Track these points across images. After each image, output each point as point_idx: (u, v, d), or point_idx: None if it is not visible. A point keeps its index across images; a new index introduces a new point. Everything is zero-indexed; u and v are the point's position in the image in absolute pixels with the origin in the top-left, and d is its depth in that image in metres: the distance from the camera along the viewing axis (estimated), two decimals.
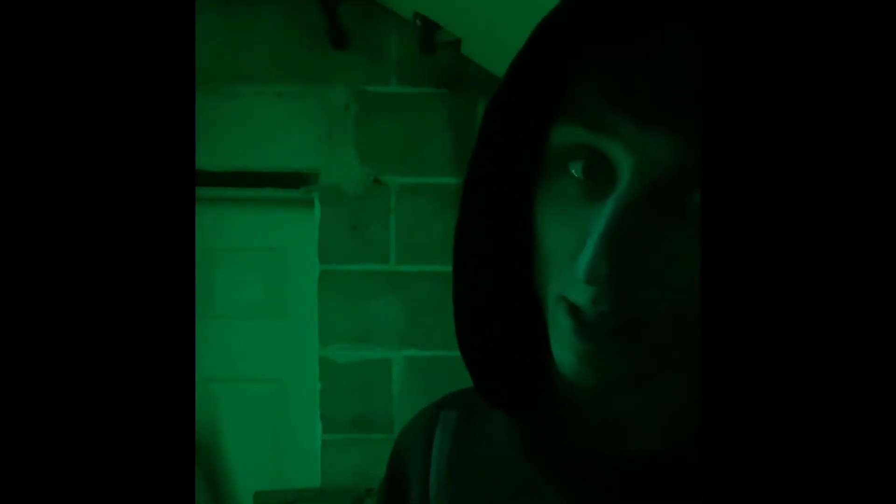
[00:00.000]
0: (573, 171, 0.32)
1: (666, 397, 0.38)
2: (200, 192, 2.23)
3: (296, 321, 2.43)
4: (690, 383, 0.37)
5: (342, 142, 2.28)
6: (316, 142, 2.28)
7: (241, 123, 2.30)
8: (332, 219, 2.28)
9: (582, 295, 0.31)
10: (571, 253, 0.31)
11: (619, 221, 0.28)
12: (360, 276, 2.27)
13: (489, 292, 0.39)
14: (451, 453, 0.44)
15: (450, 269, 0.38)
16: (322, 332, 2.31)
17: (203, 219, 2.27)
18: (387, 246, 2.28)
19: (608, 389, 0.34)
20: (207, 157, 2.24)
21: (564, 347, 0.33)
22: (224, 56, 2.28)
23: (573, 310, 0.32)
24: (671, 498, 0.35)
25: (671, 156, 0.29)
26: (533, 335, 0.40)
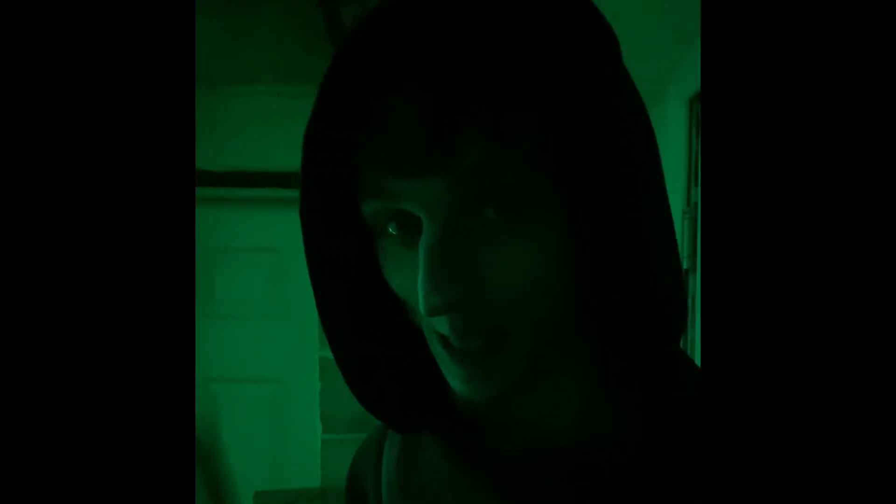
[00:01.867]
0: (391, 230, 0.36)
1: (565, 396, 0.40)
2: (200, 192, 2.23)
3: (296, 321, 2.43)
4: (589, 382, 0.40)
5: None
6: None
7: (241, 123, 2.30)
8: None
9: (442, 326, 0.35)
10: (417, 291, 0.35)
11: (432, 260, 0.32)
12: None
13: (365, 333, 0.42)
14: (399, 466, 0.46)
15: None
16: (322, 332, 2.31)
17: (203, 219, 2.27)
18: None
19: (501, 395, 0.36)
20: (207, 157, 2.24)
21: (452, 374, 0.36)
22: (224, 56, 2.28)
23: (443, 339, 0.36)
24: (584, 489, 0.38)
25: (447, 193, 0.32)
26: (417, 358, 0.43)
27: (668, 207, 0.38)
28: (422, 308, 0.32)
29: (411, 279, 0.35)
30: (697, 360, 0.44)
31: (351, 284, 0.41)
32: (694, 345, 1.28)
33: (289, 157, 2.29)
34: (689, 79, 1.27)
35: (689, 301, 1.31)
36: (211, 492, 2.41)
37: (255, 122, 2.31)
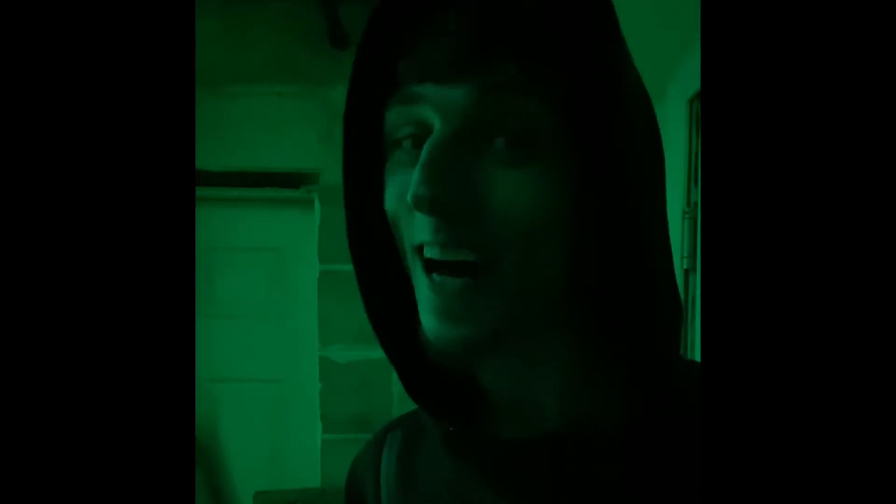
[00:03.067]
0: (405, 145, 0.37)
1: (559, 385, 0.41)
2: (200, 192, 2.23)
3: (296, 321, 2.43)
4: (582, 372, 0.41)
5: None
6: (316, 142, 2.28)
7: (241, 123, 2.30)
8: (332, 219, 2.27)
9: (424, 232, 0.35)
10: (406, 204, 0.35)
11: (432, 155, 0.33)
12: None
13: (395, 291, 0.42)
14: (399, 470, 0.47)
15: None
16: (322, 332, 2.31)
17: (203, 219, 2.27)
18: None
19: (473, 346, 0.36)
20: (207, 157, 2.24)
21: (425, 308, 0.36)
22: (224, 56, 2.28)
23: (427, 263, 0.36)
24: (578, 471, 0.38)
25: (471, 104, 0.34)
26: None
27: (664, 205, 0.38)
28: (409, 196, 0.33)
29: (403, 193, 0.35)
30: (697, 360, 0.44)
31: (384, 239, 0.41)
32: (694, 345, 1.28)
33: (288, 156, 2.30)
34: (689, 79, 1.27)
35: (690, 301, 1.30)
36: (211, 492, 2.42)
37: (255, 122, 2.31)
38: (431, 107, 0.35)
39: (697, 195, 1.30)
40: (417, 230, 0.36)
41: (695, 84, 1.24)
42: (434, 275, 0.36)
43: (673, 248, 0.40)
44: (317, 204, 2.31)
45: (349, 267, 0.42)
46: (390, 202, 0.38)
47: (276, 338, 2.45)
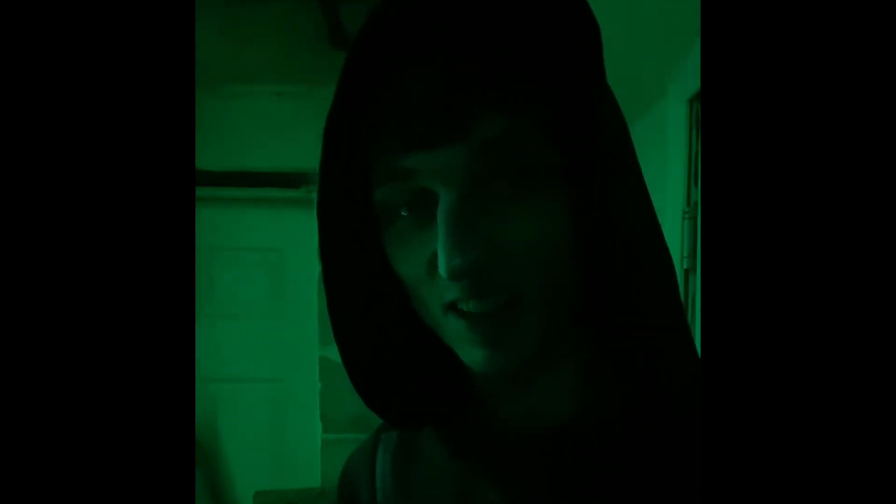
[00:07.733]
0: (403, 213, 0.37)
1: (560, 383, 0.41)
2: (200, 192, 2.23)
3: (296, 321, 2.43)
4: (583, 369, 0.41)
5: None
6: (316, 142, 2.27)
7: (241, 123, 2.30)
8: None
9: (455, 291, 0.36)
10: (427, 270, 0.36)
11: (452, 224, 0.34)
12: None
13: (372, 329, 0.42)
14: (394, 471, 0.47)
15: None
16: (322, 332, 2.31)
17: (203, 219, 2.27)
18: None
19: (525, 369, 0.38)
20: (207, 157, 2.24)
21: (468, 348, 0.37)
22: (224, 56, 2.28)
23: (460, 312, 0.36)
24: (589, 462, 0.39)
25: (464, 163, 0.34)
26: (421, 356, 0.44)
27: (650, 204, 0.39)
28: (443, 271, 0.33)
29: (420, 261, 0.36)
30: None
31: (361, 282, 0.41)
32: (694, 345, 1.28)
33: (288, 156, 2.30)
34: (689, 79, 1.27)
35: (690, 301, 1.31)
36: (211, 492, 2.42)
37: (255, 122, 2.31)
38: (428, 176, 0.34)
39: (697, 195, 1.30)
40: (447, 291, 0.36)
41: (695, 84, 1.25)
42: (471, 319, 0.36)
43: (673, 248, 0.41)
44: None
45: None
46: (408, 271, 0.38)
47: (276, 338, 2.46)
